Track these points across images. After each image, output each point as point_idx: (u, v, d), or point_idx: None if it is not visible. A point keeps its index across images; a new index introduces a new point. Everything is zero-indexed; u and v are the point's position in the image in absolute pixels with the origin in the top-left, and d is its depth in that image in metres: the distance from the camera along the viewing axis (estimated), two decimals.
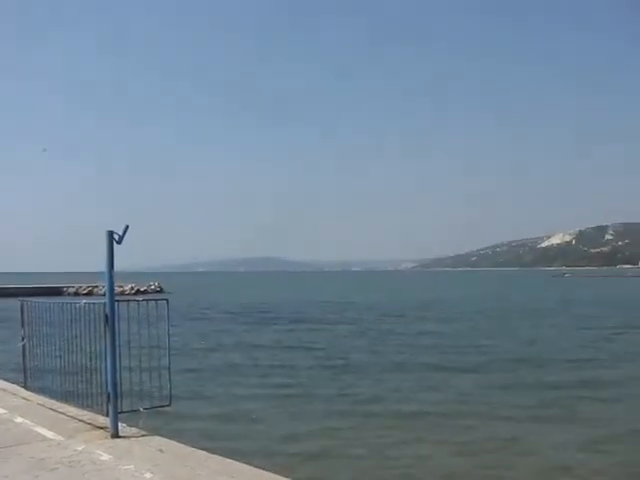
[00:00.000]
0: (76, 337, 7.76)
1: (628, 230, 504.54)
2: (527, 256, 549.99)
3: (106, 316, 6.85)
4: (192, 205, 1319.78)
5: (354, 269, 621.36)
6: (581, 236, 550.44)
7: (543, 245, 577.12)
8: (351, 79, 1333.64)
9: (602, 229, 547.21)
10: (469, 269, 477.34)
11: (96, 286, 74.77)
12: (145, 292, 79.07)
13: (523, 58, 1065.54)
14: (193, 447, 6.54)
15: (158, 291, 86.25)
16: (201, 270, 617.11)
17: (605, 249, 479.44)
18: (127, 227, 6.73)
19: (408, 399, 15.74)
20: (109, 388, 6.83)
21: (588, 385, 17.38)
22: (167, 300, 7.35)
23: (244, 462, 6.06)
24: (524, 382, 18.02)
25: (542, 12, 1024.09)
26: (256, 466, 5.93)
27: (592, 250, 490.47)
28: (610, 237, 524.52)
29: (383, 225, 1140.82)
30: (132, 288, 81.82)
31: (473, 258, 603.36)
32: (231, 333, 32.22)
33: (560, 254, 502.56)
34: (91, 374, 7.46)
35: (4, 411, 8.02)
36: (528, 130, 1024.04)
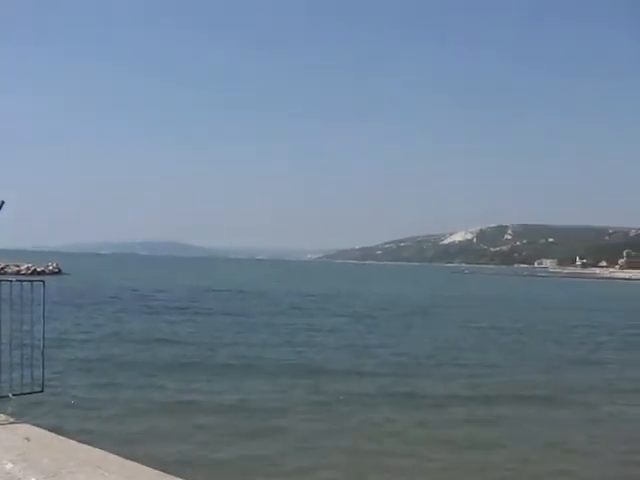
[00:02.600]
0: None
1: (526, 231, 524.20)
2: (430, 252, 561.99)
3: None
4: (100, 186, 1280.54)
5: (259, 257, 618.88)
6: (482, 235, 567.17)
7: (445, 242, 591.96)
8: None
9: (502, 229, 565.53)
10: (373, 262, 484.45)
11: None
12: (42, 273, 76.80)
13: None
14: (64, 436, 6.26)
15: (56, 272, 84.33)
16: (104, 252, 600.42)
17: (504, 248, 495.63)
18: (2, 202, 6.34)
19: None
20: None
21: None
22: (43, 282, 7.04)
23: (111, 452, 5.84)
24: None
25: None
26: (124, 456, 5.72)
27: (492, 249, 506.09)
28: (509, 237, 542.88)
29: (290, 215, 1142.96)
30: (28, 268, 79.76)
31: (378, 252, 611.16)
32: (110, 321, 31.92)
33: (461, 251, 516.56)
34: None
35: None
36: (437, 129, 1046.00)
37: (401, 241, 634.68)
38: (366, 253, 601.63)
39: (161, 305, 42.28)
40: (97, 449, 5.77)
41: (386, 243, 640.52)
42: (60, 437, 6.15)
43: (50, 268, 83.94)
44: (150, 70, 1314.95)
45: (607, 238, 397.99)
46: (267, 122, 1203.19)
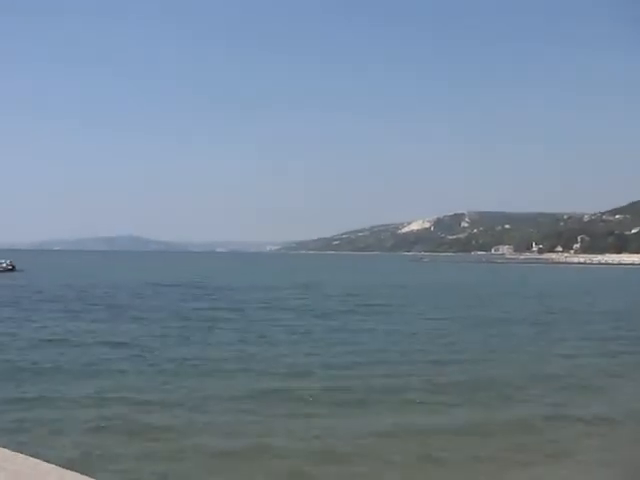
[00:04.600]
0: None
1: (483, 218, 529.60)
2: (388, 241, 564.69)
3: None
4: (58, 180, 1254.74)
5: (219, 250, 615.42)
6: (439, 223, 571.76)
7: (403, 231, 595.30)
8: None
9: (459, 217, 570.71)
10: (332, 252, 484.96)
11: None
12: None
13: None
14: None
15: (10, 270, 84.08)
16: (57, 248, 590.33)
17: (461, 236, 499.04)
18: None
19: None
20: None
21: None
22: None
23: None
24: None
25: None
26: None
27: (449, 237, 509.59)
28: (466, 225, 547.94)
29: (249, 207, 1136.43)
30: None
31: (336, 242, 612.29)
32: (47, 321, 29.53)
33: (419, 239, 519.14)
34: None
35: None
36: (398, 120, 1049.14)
37: (359, 231, 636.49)
38: (325, 244, 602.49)
39: (91, 303, 39.61)
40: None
41: (344, 233, 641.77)
42: None
43: (4, 265, 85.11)
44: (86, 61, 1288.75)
45: (562, 224, 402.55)
46: (230, 120, 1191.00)
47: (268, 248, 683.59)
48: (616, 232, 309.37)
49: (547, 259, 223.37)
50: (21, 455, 6.77)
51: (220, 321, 30.56)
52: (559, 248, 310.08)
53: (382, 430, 12.38)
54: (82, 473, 6.49)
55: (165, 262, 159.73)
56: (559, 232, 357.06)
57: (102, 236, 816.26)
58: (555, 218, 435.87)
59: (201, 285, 60.33)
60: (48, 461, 6.67)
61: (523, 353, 22.19)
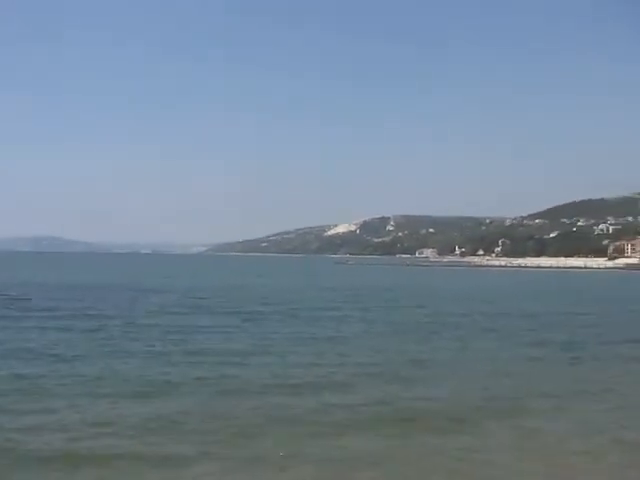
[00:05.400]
0: None
1: (408, 222, 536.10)
2: (314, 243, 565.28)
3: None
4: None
5: (143, 252, 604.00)
6: (365, 226, 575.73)
7: (329, 233, 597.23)
8: None
9: (385, 220, 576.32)
10: (259, 254, 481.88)
11: None
12: None
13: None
14: None
15: None
16: None
17: (386, 239, 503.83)
18: None
19: None
20: None
21: None
22: None
23: None
24: None
25: None
26: None
27: (375, 239, 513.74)
28: (391, 228, 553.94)
29: (175, 208, 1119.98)
30: None
31: (263, 244, 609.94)
32: None
33: (345, 242, 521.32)
34: None
35: None
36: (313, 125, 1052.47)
37: (285, 233, 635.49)
38: (250, 245, 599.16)
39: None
40: None
41: (270, 235, 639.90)
42: None
43: None
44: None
45: (484, 228, 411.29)
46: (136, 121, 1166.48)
47: (194, 249, 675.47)
48: (536, 236, 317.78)
49: (469, 262, 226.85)
50: None
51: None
52: (481, 251, 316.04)
53: None
54: None
55: (87, 264, 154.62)
56: (481, 236, 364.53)
57: (23, 236, 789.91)
58: (478, 222, 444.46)
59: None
60: None
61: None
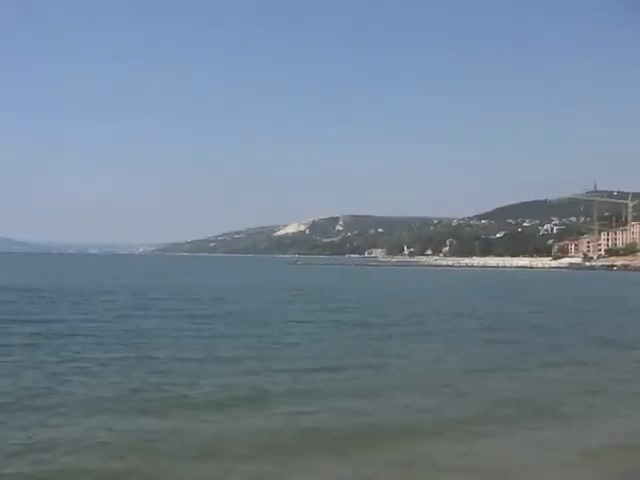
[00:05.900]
0: None
1: (356, 222, 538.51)
2: (263, 243, 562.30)
3: None
4: None
5: (91, 252, 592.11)
6: (314, 226, 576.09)
7: (279, 233, 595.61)
8: None
9: (334, 220, 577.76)
10: (206, 254, 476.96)
11: None
12: None
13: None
14: None
15: None
16: None
17: (335, 239, 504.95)
18: None
19: None
20: None
21: None
22: None
23: None
24: None
25: None
26: None
27: (324, 240, 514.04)
28: (340, 228, 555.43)
29: (121, 207, 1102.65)
30: None
31: (211, 244, 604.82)
32: None
33: (294, 242, 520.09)
34: None
35: None
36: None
37: (235, 233, 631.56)
38: (199, 246, 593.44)
39: None
40: None
41: (219, 236, 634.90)
42: None
43: None
44: None
45: (432, 228, 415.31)
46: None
47: (141, 249, 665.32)
48: (482, 236, 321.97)
49: (417, 262, 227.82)
50: None
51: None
52: (429, 251, 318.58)
53: None
54: None
55: (29, 265, 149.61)
56: (430, 236, 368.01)
57: None
58: (426, 222, 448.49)
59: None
60: None
61: None
